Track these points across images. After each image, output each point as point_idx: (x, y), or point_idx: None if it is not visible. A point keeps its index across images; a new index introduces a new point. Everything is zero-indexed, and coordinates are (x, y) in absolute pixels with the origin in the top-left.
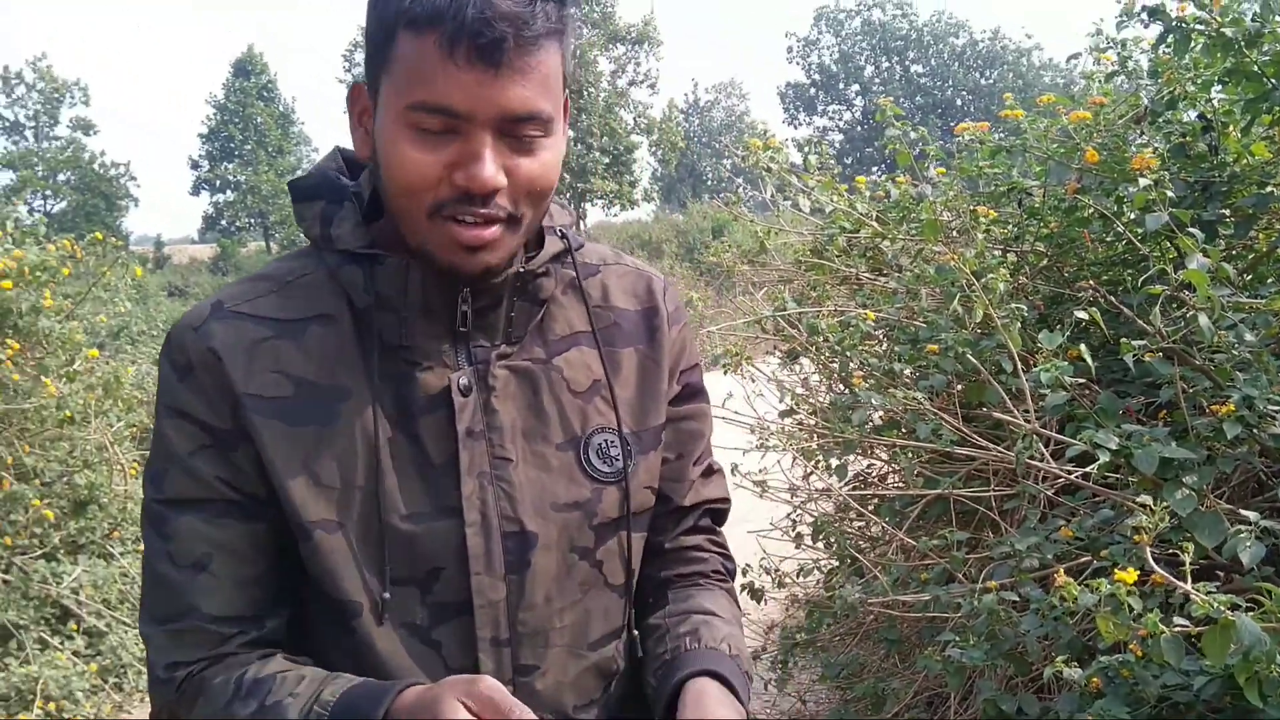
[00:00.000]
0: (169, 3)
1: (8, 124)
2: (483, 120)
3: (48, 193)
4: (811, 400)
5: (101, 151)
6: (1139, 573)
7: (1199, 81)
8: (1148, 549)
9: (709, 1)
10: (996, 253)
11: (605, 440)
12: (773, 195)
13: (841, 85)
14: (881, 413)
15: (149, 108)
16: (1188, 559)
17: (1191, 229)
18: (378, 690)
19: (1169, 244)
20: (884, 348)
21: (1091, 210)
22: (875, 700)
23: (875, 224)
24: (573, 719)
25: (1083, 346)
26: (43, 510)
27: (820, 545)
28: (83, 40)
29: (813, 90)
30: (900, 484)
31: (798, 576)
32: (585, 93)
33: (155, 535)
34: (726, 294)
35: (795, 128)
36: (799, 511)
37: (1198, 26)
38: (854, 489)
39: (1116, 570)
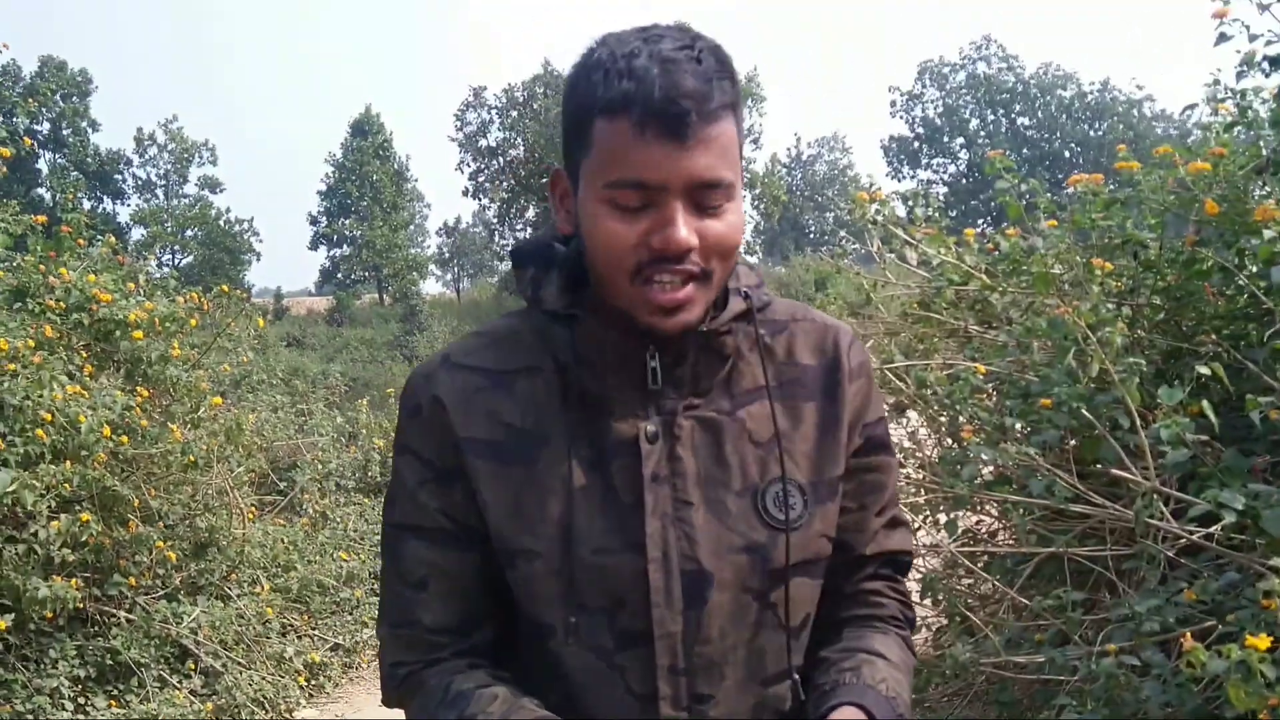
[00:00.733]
0: (291, 66)
1: (140, 182)
2: (674, 189)
3: (176, 247)
4: (919, 454)
5: (227, 208)
6: (1271, 639)
7: None
8: None
9: (811, 57)
10: (1111, 306)
11: (781, 489)
12: (878, 248)
13: (945, 138)
14: (992, 468)
15: (272, 166)
16: None
17: None
18: None
19: None
20: (994, 401)
21: (1212, 263)
22: None
23: (984, 276)
24: None
25: (1204, 402)
26: (165, 552)
27: (928, 602)
28: (211, 102)
29: (916, 143)
30: (1011, 541)
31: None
32: None
33: (389, 554)
34: None
35: (899, 180)
36: None
37: None
38: (963, 545)
39: (1247, 636)
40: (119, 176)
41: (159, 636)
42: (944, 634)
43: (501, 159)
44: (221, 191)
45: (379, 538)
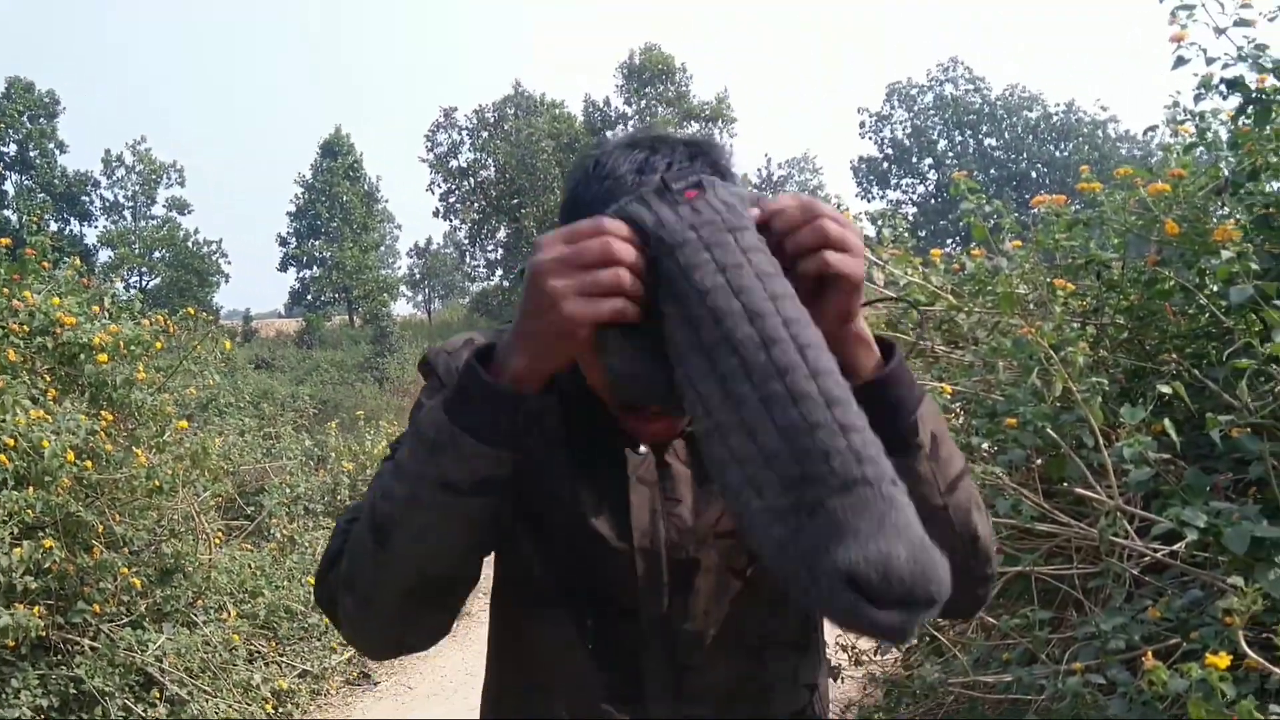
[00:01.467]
0: (260, 87)
1: (108, 204)
2: None
3: (144, 269)
4: None
5: (195, 230)
6: (1232, 657)
7: None
8: (1240, 632)
9: (781, 78)
10: (1075, 325)
11: None
12: None
13: (914, 159)
14: None
15: (241, 188)
16: None
17: (1277, 301)
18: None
19: (1254, 317)
20: (961, 421)
21: (1173, 283)
22: None
23: (951, 297)
24: (734, 710)
25: (1166, 421)
26: (130, 578)
27: None
28: (179, 123)
29: (885, 164)
30: None
31: (875, 654)
32: None
33: (376, 479)
34: None
35: (868, 201)
36: None
37: (1278, 98)
38: None
39: (1208, 654)
40: (86, 198)
41: (123, 665)
42: (913, 654)
43: (472, 180)
44: (190, 213)
45: None
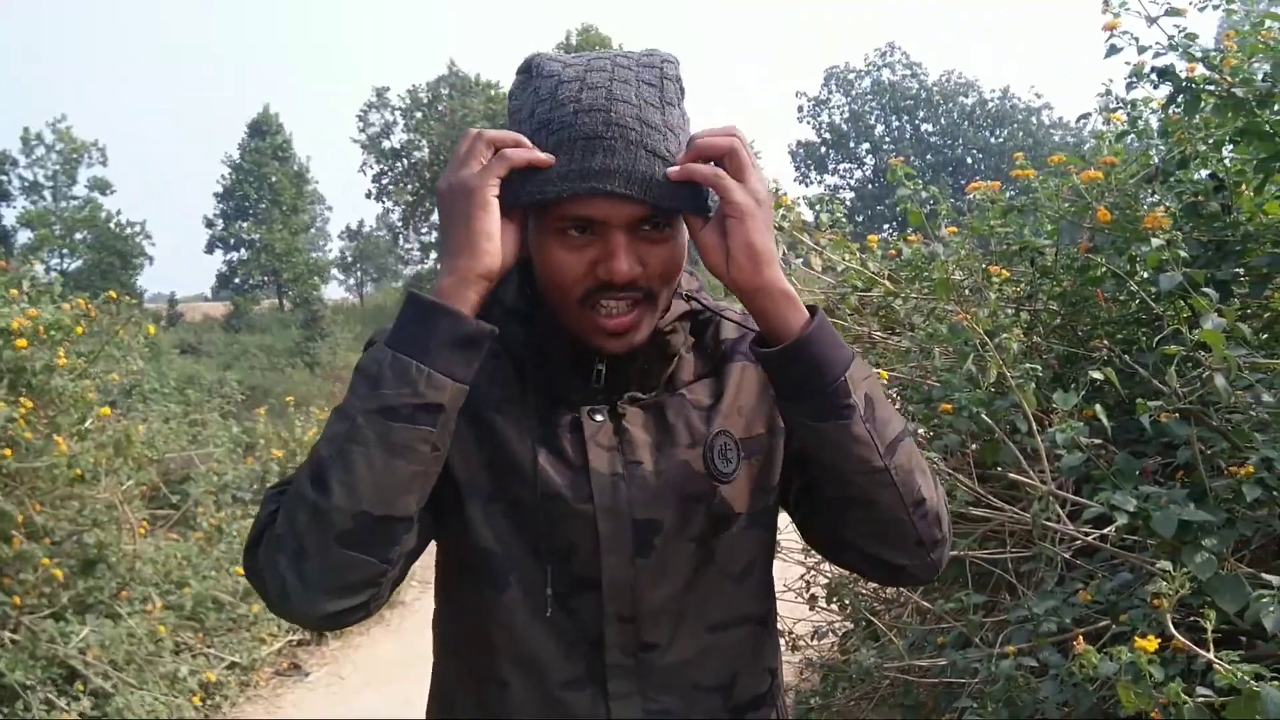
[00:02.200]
0: (185, 65)
1: (27, 184)
2: (616, 224)
3: (64, 251)
4: None
5: (118, 211)
6: (1160, 640)
7: (1210, 141)
8: (1169, 615)
9: (719, 62)
10: (1009, 311)
11: (726, 442)
12: (783, 253)
13: (852, 144)
14: None
15: (165, 168)
16: (1209, 626)
17: (1206, 289)
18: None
19: (1183, 303)
20: (897, 407)
21: (1104, 269)
22: None
23: (888, 282)
24: (696, 698)
25: (1098, 406)
26: (51, 569)
27: (835, 607)
28: (101, 101)
29: (823, 149)
30: None
31: (812, 639)
32: None
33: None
34: None
35: (806, 186)
36: (813, 573)
37: (1208, 87)
38: None
39: (1137, 637)
40: (4, 178)
41: (45, 657)
42: (850, 638)
43: (406, 161)
44: (112, 193)
45: None
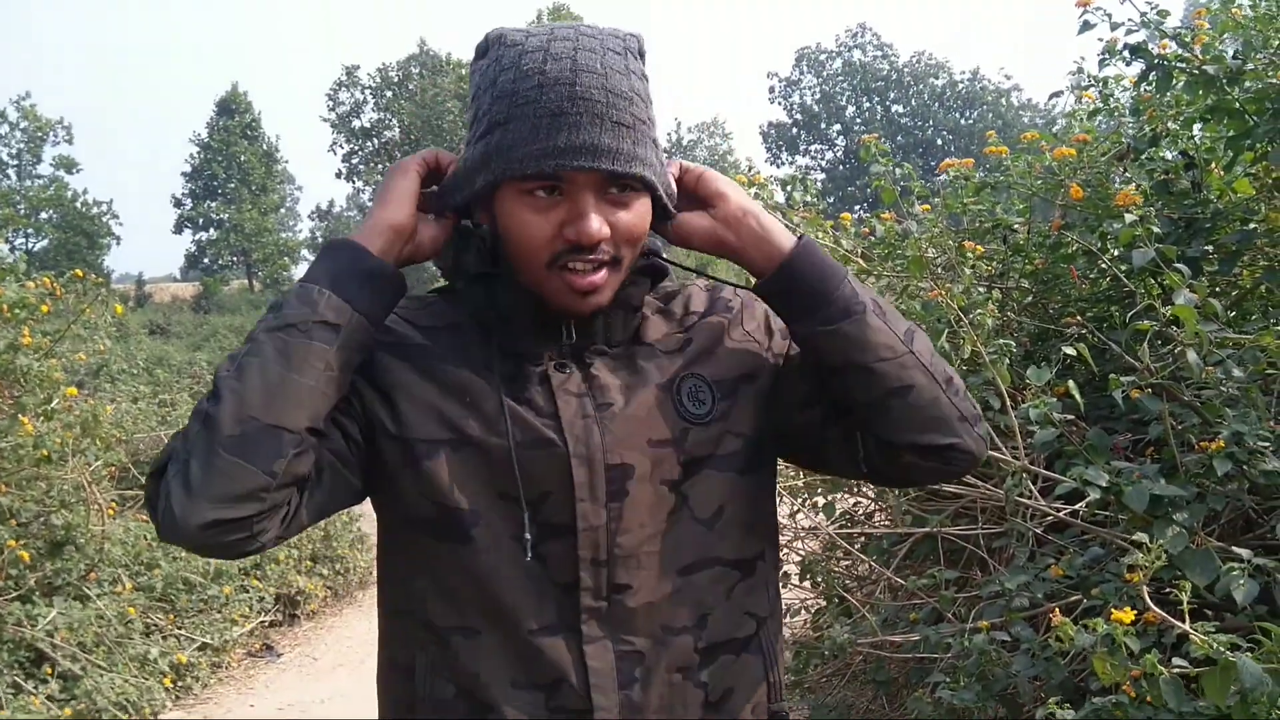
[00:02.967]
0: (154, 42)
1: None
2: (585, 184)
3: (29, 231)
4: None
5: (84, 190)
6: (1134, 612)
7: (1181, 119)
8: (1144, 587)
9: (691, 42)
10: (982, 289)
11: (696, 384)
12: None
13: (823, 125)
14: None
15: (131, 147)
16: (1185, 598)
17: (1177, 265)
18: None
19: (1154, 280)
20: None
21: (1076, 246)
22: None
23: (860, 260)
24: (666, 639)
25: (1070, 383)
26: (18, 551)
27: (807, 584)
28: (66, 78)
29: (795, 130)
30: (888, 522)
31: (785, 616)
32: None
33: None
34: None
35: (777, 167)
36: (786, 550)
37: (1179, 64)
38: (841, 527)
39: (1112, 610)
40: None
41: (12, 640)
42: (822, 615)
43: (376, 140)
44: (78, 172)
45: None
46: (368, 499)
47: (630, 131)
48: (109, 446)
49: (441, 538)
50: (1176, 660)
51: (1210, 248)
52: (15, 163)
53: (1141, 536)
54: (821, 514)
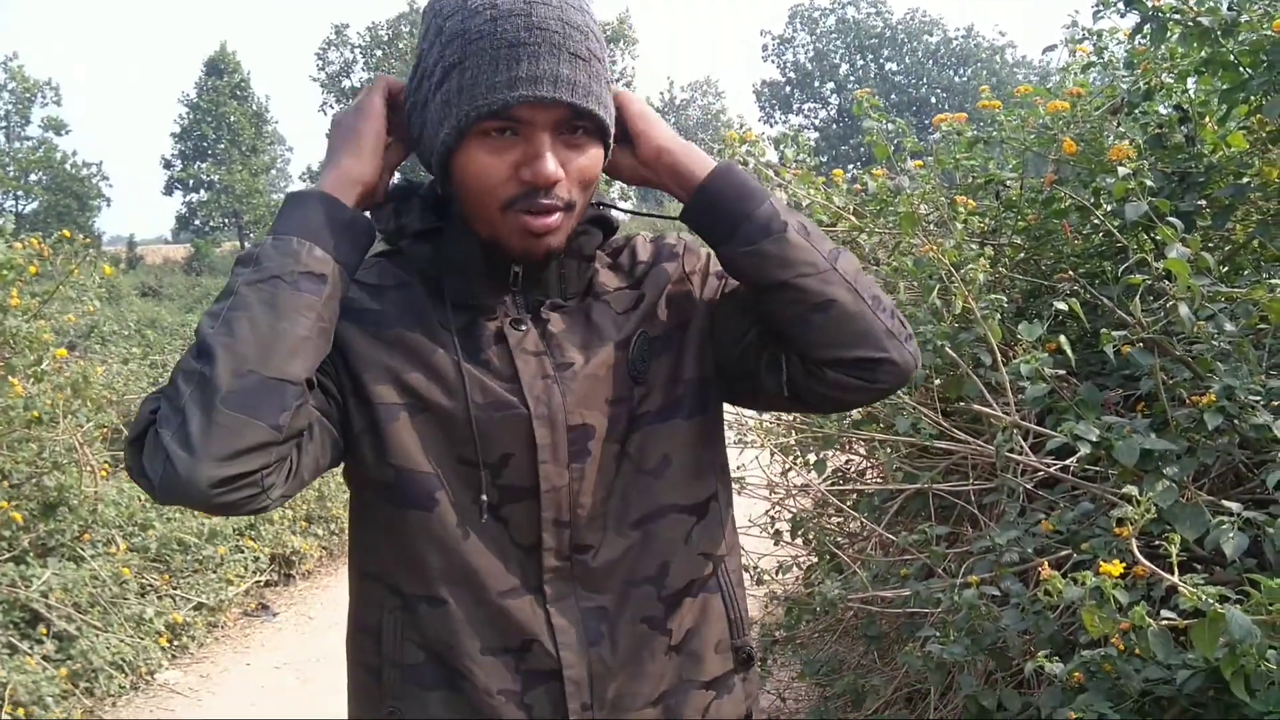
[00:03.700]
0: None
1: None
2: (541, 124)
3: (19, 193)
4: None
5: (74, 151)
6: (1124, 566)
7: (1175, 72)
8: (1134, 540)
9: (684, 0)
10: (974, 245)
11: (645, 342)
12: None
13: (816, 83)
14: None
15: (121, 108)
16: (1174, 551)
17: (1170, 219)
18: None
19: (1147, 235)
20: None
21: (1069, 202)
22: (855, 697)
23: (853, 217)
24: (629, 592)
25: (1062, 338)
26: (10, 512)
27: (799, 542)
28: (55, 39)
29: (788, 88)
30: (879, 479)
31: (777, 573)
32: None
33: None
34: None
35: (771, 125)
36: (777, 508)
37: (1174, 16)
38: (832, 485)
39: (1101, 563)
40: None
41: (7, 601)
42: (814, 572)
43: None
44: (67, 133)
45: None
46: None
47: (587, 65)
48: (100, 408)
49: (404, 504)
50: (1165, 613)
51: (1203, 202)
52: (4, 124)
53: (1131, 491)
54: (813, 471)
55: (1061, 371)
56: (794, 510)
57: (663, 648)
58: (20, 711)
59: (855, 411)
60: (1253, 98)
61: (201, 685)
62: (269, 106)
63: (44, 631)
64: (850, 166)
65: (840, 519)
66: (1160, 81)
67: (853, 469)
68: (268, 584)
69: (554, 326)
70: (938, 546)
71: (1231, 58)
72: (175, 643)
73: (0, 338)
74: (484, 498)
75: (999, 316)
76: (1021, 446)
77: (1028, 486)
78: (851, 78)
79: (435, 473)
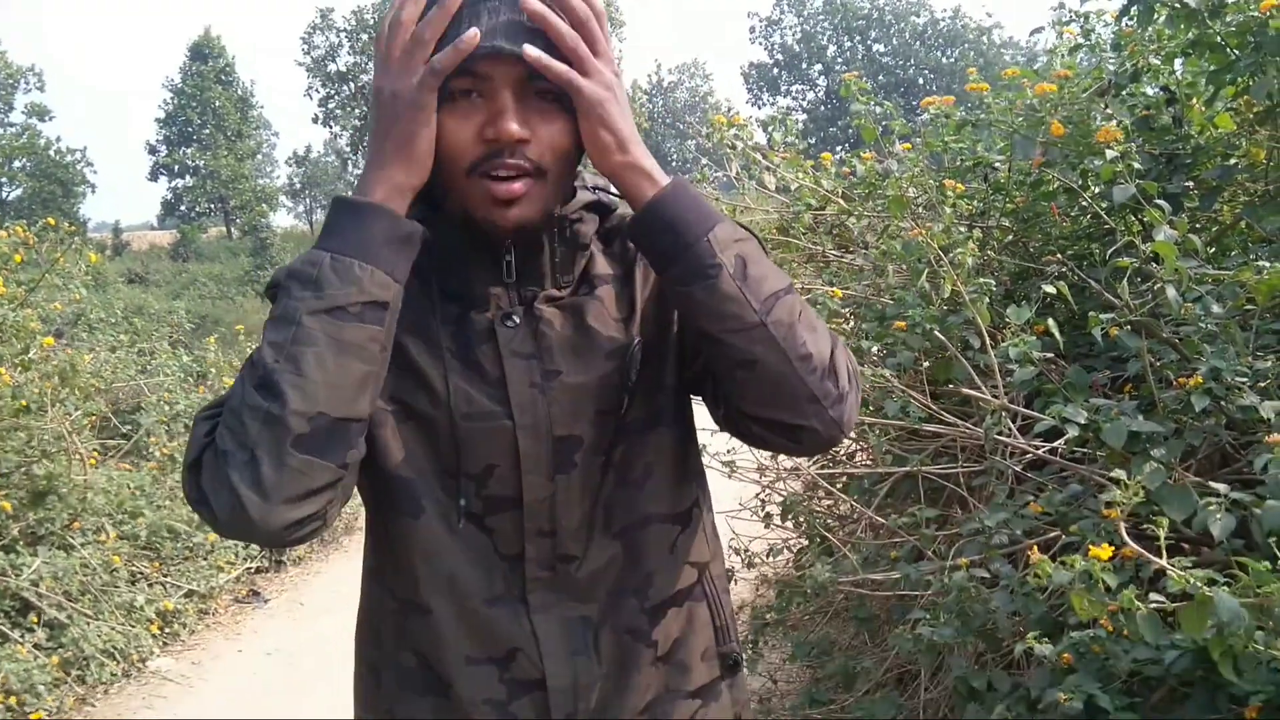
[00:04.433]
0: None
1: None
2: (504, 82)
3: (3, 180)
4: None
5: (57, 138)
6: (1112, 549)
7: (1163, 54)
8: (1121, 523)
9: None
10: (963, 228)
11: (635, 352)
12: (737, 173)
13: (804, 65)
14: None
15: (104, 94)
16: (1162, 533)
17: (1158, 201)
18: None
19: (1135, 217)
20: (851, 325)
21: (1057, 184)
22: (846, 679)
23: (841, 201)
24: (613, 602)
25: (1050, 321)
26: (0, 501)
27: (789, 524)
28: (36, 24)
29: (776, 70)
30: (869, 462)
31: (767, 556)
32: None
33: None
34: None
35: (759, 108)
36: (768, 491)
37: None
38: (822, 467)
39: (1090, 546)
40: None
41: None
42: (804, 555)
43: (352, 84)
44: (51, 120)
45: None
46: None
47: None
48: (88, 396)
49: (393, 510)
50: (1154, 595)
51: (1191, 183)
52: None
53: (1119, 473)
54: None
55: (1050, 354)
56: (784, 493)
57: (649, 659)
58: (12, 700)
59: None
60: (1240, 79)
61: (193, 672)
62: (254, 91)
63: (35, 620)
64: (838, 148)
65: (830, 502)
66: (1147, 63)
67: (843, 452)
68: (259, 570)
69: (546, 325)
70: (927, 529)
71: (1218, 39)
72: (166, 630)
73: None
74: (461, 503)
75: (987, 299)
76: (1010, 429)
77: (1016, 469)
78: (839, 59)
79: (422, 480)
